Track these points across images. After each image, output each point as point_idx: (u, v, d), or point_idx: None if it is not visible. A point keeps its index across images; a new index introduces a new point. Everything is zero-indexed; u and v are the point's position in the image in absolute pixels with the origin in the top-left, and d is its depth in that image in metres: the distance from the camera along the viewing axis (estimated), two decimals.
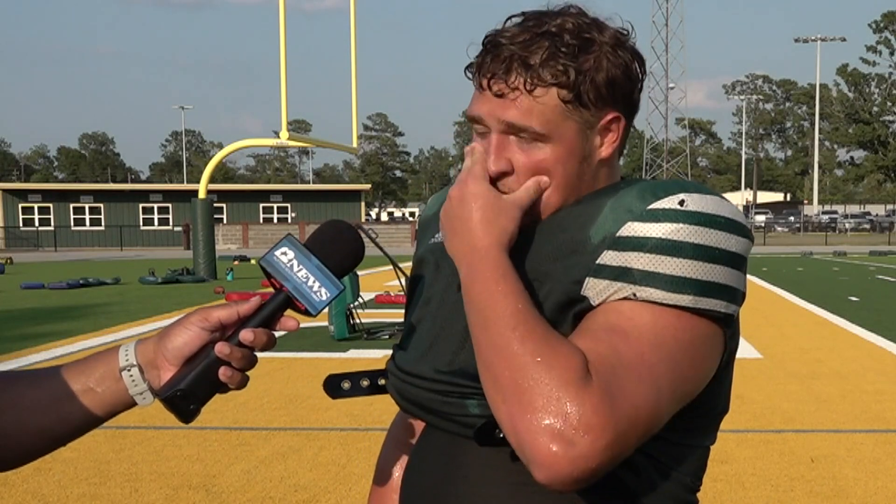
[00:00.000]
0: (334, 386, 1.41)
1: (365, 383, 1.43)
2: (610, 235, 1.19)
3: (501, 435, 1.19)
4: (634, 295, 1.16)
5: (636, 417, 1.10)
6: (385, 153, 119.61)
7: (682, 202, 1.17)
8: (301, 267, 1.23)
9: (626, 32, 1.29)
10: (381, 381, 1.42)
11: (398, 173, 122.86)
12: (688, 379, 1.18)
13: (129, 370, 1.22)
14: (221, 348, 1.20)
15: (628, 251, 1.17)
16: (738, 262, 1.20)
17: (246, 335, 1.20)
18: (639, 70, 1.29)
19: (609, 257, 1.18)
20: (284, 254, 1.24)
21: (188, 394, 1.19)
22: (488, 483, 1.26)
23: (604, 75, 1.24)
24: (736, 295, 1.21)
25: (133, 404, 1.24)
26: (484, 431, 1.22)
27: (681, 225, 1.16)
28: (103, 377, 1.23)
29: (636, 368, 1.12)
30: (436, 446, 1.33)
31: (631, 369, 1.12)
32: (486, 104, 1.26)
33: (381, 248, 9.01)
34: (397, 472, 1.51)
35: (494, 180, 1.26)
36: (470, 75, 1.30)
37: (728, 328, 1.23)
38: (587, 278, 1.19)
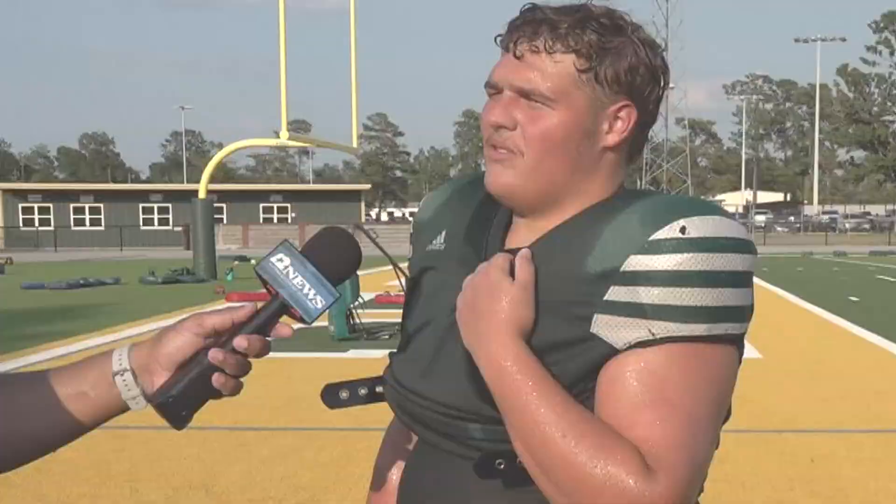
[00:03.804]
0: (332, 396, 1.41)
1: (363, 392, 1.42)
2: (613, 269, 1.17)
3: (502, 466, 1.20)
4: (651, 332, 1.15)
5: (701, 473, 1.15)
6: (385, 153, 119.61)
7: (683, 229, 1.16)
8: (297, 274, 1.22)
9: (659, 44, 1.31)
10: (379, 389, 1.42)
11: (398, 173, 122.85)
12: (724, 407, 1.21)
13: (122, 375, 1.22)
14: (215, 354, 1.20)
15: (635, 286, 1.16)
16: (745, 280, 1.19)
17: (240, 342, 1.20)
18: (661, 74, 1.29)
19: (617, 293, 1.17)
20: (280, 260, 1.23)
21: (180, 400, 1.19)
22: (487, 496, 1.25)
23: (627, 62, 1.25)
24: (745, 312, 1.21)
25: (126, 409, 1.24)
26: (484, 463, 1.22)
27: (685, 255, 1.15)
28: (97, 381, 1.23)
29: (691, 434, 1.14)
30: (432, 458, 1.32)
31: (687, 438, 1.13)
32: (504, 68, 1.28)
33: (381, 249, 9.00)
34: (395, 477, 1.50)
35: (493, 132, 1.28)
36: (499, 42, 1.32)
37: (740, 344, 1.24)
38: (595, 315, 1.18)
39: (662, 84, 1.30)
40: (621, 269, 1.17)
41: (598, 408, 1.17)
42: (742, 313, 1.20)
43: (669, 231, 1.16)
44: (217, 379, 1.21)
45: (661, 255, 1.15)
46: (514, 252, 1.25)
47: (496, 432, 1.21)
